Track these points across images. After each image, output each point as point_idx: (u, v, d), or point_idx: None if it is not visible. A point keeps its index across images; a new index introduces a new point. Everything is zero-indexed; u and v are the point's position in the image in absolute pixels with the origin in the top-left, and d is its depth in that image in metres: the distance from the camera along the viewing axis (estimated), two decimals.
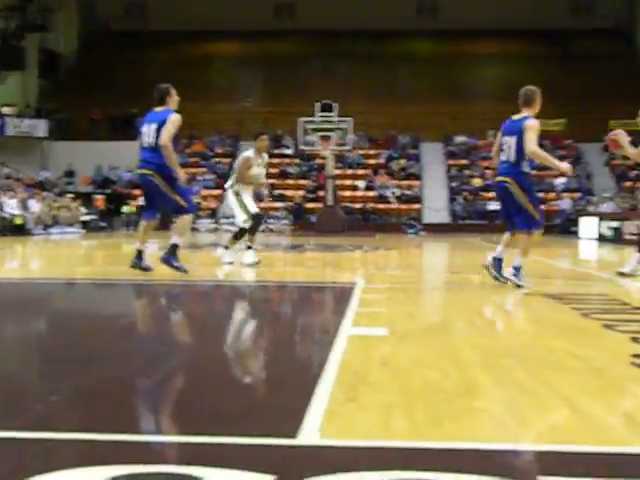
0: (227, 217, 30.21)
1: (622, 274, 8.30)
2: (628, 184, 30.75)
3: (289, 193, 31.42)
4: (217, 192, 32.18)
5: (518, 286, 6.96)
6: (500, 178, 7.29)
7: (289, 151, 33.87)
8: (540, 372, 3.42)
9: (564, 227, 28.52)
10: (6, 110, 30.26)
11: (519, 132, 7.18)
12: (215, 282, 8.34)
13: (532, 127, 7.15)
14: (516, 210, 7.18)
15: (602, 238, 22.84)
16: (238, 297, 7.32)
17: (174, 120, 7.56)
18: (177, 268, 7.70)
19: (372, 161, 33.53)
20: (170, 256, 7.74)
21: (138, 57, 39.19)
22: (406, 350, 3.91)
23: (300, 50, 41.10)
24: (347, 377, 3.26)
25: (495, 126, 31.36)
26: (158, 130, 7.53)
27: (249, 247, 9.48)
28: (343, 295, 6.89)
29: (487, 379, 3.27)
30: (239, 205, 9.50)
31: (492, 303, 6.48)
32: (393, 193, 31.63)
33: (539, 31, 40.78)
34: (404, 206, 31.28)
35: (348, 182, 32.60)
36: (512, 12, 41.07)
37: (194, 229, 29.27)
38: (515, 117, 7.42)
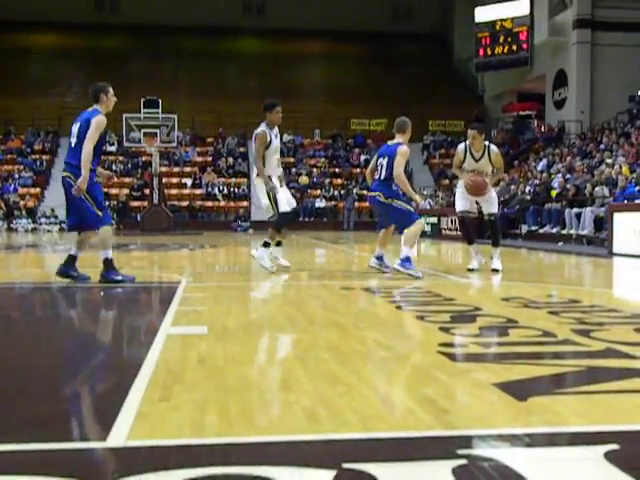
0: (47, 217, 28.97)
1: (472, 270, 9.02)
2: (446, 182, 32.41)
3: (113, 191, 30.59)
4: (35, 190, 30.77)
5: (411, 275, 8.02)
6: (372, 193, 8.71)
7: (113, 148, 32.97)
8: (352, 363, 3.53)
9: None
10: None
11: (392, 155, 8.46)
12: (33, 284, 7.98)
13: (403, 153, 8.40)
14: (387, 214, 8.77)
15: (421, 234, 23.89)
16: (60, 299, 7.04)
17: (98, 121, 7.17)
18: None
19: (199, 159, 33.29)
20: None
21: None
22: (223, 348, 3.91)
23: (124, 45, 40.07)
24: (162, 377, 3.23)
25: (321, 125, 32.13)
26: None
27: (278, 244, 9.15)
28: (166, 294, 6.80)
29: (302, 373, 3.34)
30: (269, 199, 8.61)
31: (312, 298, 6.62)
32: (221, 191, 31.55)
33: (362, 33, 42.13)
34: (232, 204, 31.31)
35: (175, 180, 32.19)
36: (337, 14, 42.14)
37: (11, 229, 27.82)
38: (390, 142, 8.73)
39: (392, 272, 8.28)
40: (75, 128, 7.25)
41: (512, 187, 23.08)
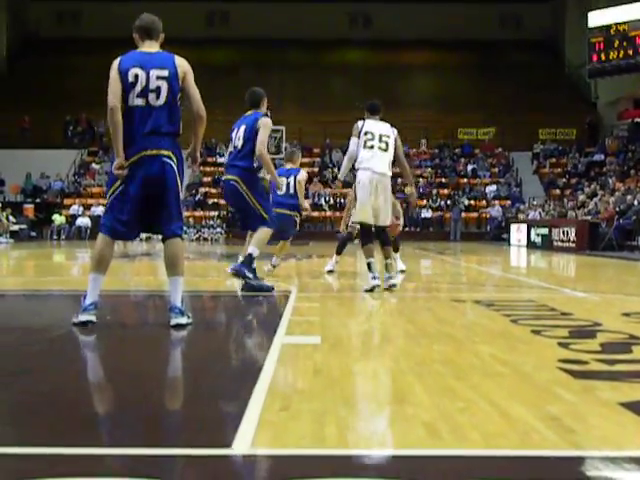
0: None
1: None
2: (557, 192, 31.57)
3: (223, 201, 31.25)
4: None
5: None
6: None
7: (223, 159, 33.72)
8: (470, 378, 3.48)
9: (495, 234, 29.09)
10: None
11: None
12: (150, 292, 8.25)
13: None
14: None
15: (532, 245, 23.37)
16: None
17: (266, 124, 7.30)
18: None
19: (306, 169, 33.62)
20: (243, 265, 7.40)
21: (68, 64, 38.54)
22: (338, 359, 3.93)
23: (233, 58, 41.03)
24: (280, 386, 3.27)
25: (427, 135, 31.95)
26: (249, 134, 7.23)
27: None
28: (278, 304, 6.90)
29: (419, 386, 3.31)
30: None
31: (423, 309, 6.56)
32: (327, 201, 31.77)
33: (470, 42, 41.63)
34: (338, 214, 31.45)
35: None
36: (443, 23, 41.84)
37: None
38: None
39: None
40: (239, 132, 7.28)
41: (628, 197, 22.26)
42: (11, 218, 26.29)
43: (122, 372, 3.83)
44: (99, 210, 30.08)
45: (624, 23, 31.74)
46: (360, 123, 7.55)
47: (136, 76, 4.89)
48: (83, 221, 29.06)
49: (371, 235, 7.57)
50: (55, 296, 7.61)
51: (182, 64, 5.08)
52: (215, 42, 41.57)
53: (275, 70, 38.80)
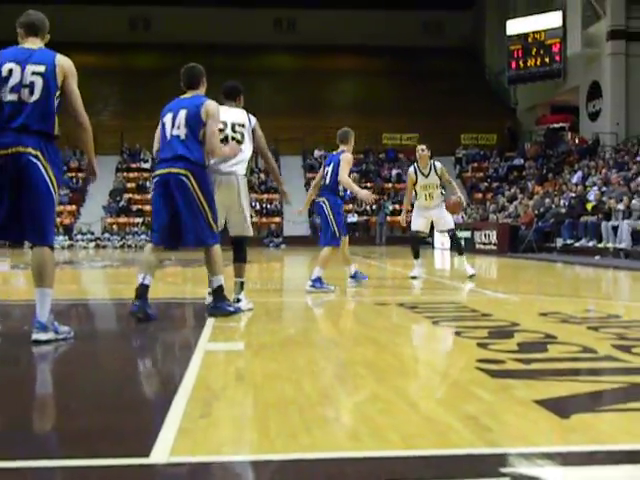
0: (83, 233, 29.30)
1: (414, 277, 10.01)
2: (479, 196, 32.25)
3: (147, 208, 30.85)
4: (71, 208, 31.15)
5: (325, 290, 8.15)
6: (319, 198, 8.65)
7: (147, 165, 33.29)
8: (391, 380, 3.52)
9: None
10: None
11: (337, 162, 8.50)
12: (74, 301, 8.07)
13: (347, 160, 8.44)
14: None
15: (454, 247, 23.77)
16: (97, 315, 7.11)
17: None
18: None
19: None
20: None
21: None
22: (261, 364, 3.92)
23: (156, 63, 40.56)
24: (202, 393, 3.24)
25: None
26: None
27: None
28: (201, 310, 6.83)
29: (340, 389, 3.33)
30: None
31: (347, 313, 6.61)
32: (254, 207, 31.69)
33: (393, 48, 42.17)
34: (265, 219, 31.43)
35: None
36: (367, 29, 42.29)
37: None
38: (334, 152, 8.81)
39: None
40: (179, 118, 5.72)
41: (546, 200, 22.90)
42: None
43: (40, 382, 3.73)
44: None
45: (541, 31, 32.69)
46: None
47: (10, 70, 4.61)
48: None
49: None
50: None
51: (63, 63, 4.74)
52: (138, 47, 41.04)
53: None
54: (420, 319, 5.82)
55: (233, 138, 6.26)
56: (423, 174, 10.27)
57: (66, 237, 28.74)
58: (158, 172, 5.76)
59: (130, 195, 31.99)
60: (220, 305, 5.85)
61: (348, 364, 3.96)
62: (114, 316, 7.07)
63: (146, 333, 5.49)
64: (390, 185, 33.92)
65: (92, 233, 29.52)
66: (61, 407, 3.20)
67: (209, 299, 6.19)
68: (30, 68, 4.61)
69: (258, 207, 31.78)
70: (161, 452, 2.40)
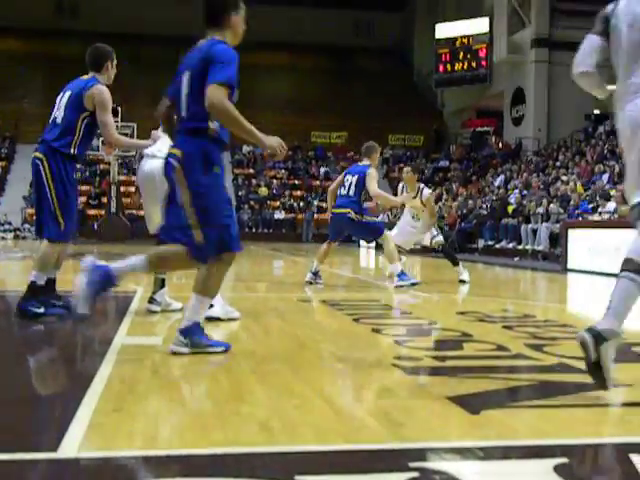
0: (2, 224, 28.49)
1: (463, 281, 9.57)
2: None
3: None
4: None
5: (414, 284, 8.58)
6: (341, 210, 8.71)
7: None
8: (308, 375, 3.53)
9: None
10: None
11: (363, 175, 8.67)
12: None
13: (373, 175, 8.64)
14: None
15: (380, 247, 24.02)
16: (10, 307, 6.91)
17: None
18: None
19: None
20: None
21: None
22: (178, 359, 3.88)
23: (82, 52, 39.67)
24: (115, 387, 3.19)
25: (281, 137, 31.84)
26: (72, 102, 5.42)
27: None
28: (121, 304, 6.72)
29: (257, 385, 3.33)
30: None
31: (270, 310, 6.60)
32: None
33: (324, 47, 42.32)
34: None
35: (133, 188, 31.91)
36: (299, 27, 42.33)
37: None
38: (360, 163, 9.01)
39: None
40: (63, 99, 5.49)
41: (469, 202, 23.34)
42: None
43: None
44: None
45: (469, 36, 33.31)
46: None
47: None
48: None
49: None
50: None
51: None
52: (63, 34, 40.06)
53: (126, 65, 37.86)
54: (341, 316, 5.86)
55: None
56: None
57: None
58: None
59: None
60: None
61: (266, 359, 3.96)
62: None
63: (63, 326, 5.37)
64: (318, 183, 34.03)
65: (10, 223, 28.71)
66: None
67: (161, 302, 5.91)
68: None
69: None
70: (69, 447, 2.35)
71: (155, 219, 5.55)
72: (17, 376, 3.68)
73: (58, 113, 5.43)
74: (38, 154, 5.34)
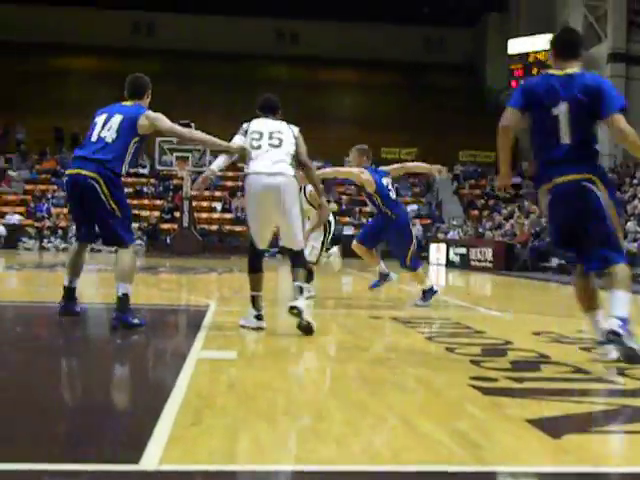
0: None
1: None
2: (475, 213, 32.29)
3: (144, 213, 30.83)
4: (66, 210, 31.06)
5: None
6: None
7: (145, 171, 33.30)
8: (383, 394, 3.52)
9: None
10: None
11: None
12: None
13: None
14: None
15: (450, 264, 23.80)
16: (90, 319, 7.07)
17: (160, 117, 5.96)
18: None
19: (230, 183, 33.49)
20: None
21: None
22: (253, 373, 3.91)
23: (158, 69, 40.63)
24: (193, 401, 3.23)
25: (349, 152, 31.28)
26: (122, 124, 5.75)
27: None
28: (195, 318, 6.82)
29: (332, 402, 3.32)
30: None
31: (341, 326, 6.60)
32: None
33: (395, 63, 42.32)
34: None
35: (205, 203, 32.38)
36: (370, 43, 42.43)
37: (44, 248, 28.11)
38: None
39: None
40: (112, 122, 5.77)
41: (543, 220, 22.91)
42: None
43: (35, 385, 3.72)
44: (15, 218, 29.25)
45: (542, 51, 32.85)
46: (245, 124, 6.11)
47: None
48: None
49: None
50: None
51: None
52: (139, 52, 41.08)
53: (200, 83, 38.58)
54: (414, 334, 5.82)
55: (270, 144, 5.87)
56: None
57: (61, 240, 28.67)
58: (69, 172, 5.85)
59: (127, 200, 31.96)
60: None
61: (340, 377, 3.96)
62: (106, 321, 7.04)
63: (140, 340, 5.48)
64: None
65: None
66: (50, 411, 3.18)
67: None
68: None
69: None
70: (151, 459, 2.39)
71: (265, 236, 5.81)
72: (97, 387, 3.76)
73: (108, 134, 5.73)
74: (91, 173, 5.61)
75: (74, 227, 6.01)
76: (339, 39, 42.79)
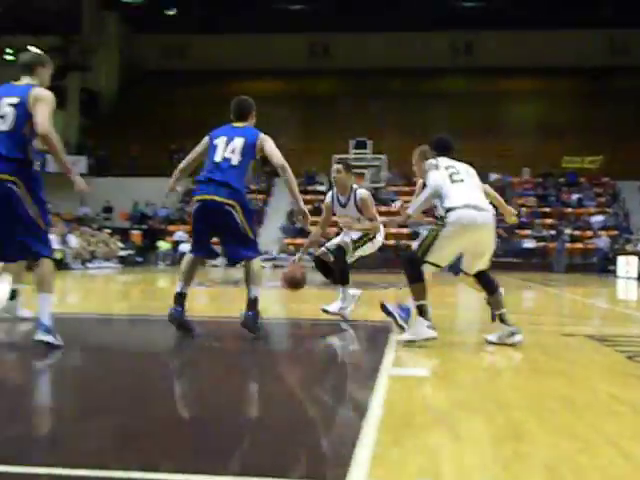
0: (261, 254, 30.34)
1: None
2: None
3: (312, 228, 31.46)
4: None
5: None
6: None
7: (323, 188, 34.02)
8: (587, 416, 3.35)
9: (601, 266, 28.17)
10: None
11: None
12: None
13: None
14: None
15: None
16: (275, 334, 7.28)
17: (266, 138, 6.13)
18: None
19: (406, 198, 33.51)
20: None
21: (174, 96, 39.87)
22: (448, 392, 3.85)
23: (334, 88, 41.51)
24: (391, 419, 3.22)
25: (529, 164, 31.12)
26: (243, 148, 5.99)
27: None
28: (381, 334, 6.84)
29: (533, 423, 3.21)
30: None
31: (531, 343, 6.38)
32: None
33: (575, 69, 40.77)
34: None
35: (382, 219, 32.58)
36: (546, 50, 41.16)
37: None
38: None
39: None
40: (233, 145, 5.97)
41: None
42: (119, 244, 27.23)
43: (234, 401, 3.86)
44: (179, 235, 30.67)
45: None
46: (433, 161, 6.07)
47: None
48: (187, 247, 29.78)
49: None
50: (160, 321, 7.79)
51: (35, 93, 5.12)
52: (316, 73, 42.17)
53: (375, 99, 38.95)
54: (612, 353, 5.53)
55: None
56: (340, 202, 7.78)
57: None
58: (200, 197, 5.98)
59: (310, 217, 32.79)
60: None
61: (539, 397, 3.82)
62: (303, 335, 7.22)
63: (330, 354, 5.57)
64: (570, 210, 32.64)
65: (268, 253, 30.46)
66: (250, 424, 3.29)
67: None
68: (6, 100, 5.12)
69: None
70: (358, 478, 2.40)
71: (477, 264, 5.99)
72: (292, 401, 3.85)
73: (232, 156, 5.96)
74: (227, 200, 5.82)
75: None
76: (515, 48, 41.79)
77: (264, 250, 30.67)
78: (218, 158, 5.97)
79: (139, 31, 43.14)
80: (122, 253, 26.96)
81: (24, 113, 5.05)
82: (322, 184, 33.89)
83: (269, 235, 31.70)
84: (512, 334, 5.75)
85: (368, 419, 3.19)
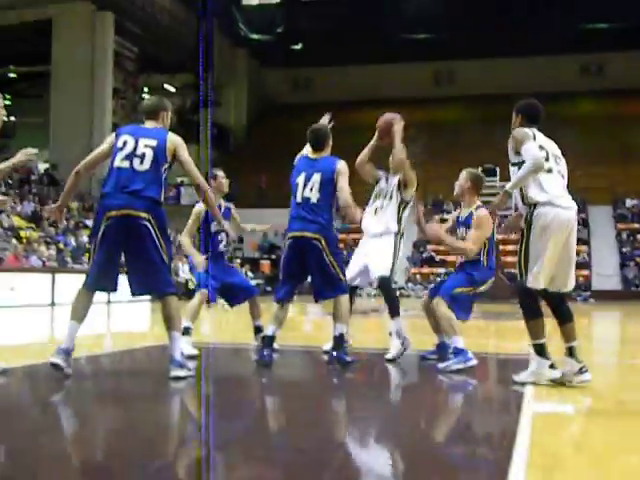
0: None
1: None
2: None
3: (450, 258, 31.09)
4: None
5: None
6: None
7: (450, 216, 33.70)
8: None
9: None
10: (182, 180, 32.13)
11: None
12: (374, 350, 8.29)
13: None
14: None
15: None
16: (399, 365, 7.21)
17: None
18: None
19: None
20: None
21: (301, 128, 40.64)
22: (598, 431, 3.70)
23: (460, 115, 41.17)
24: (540, 459, 3.13)
25: None
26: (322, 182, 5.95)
27: None
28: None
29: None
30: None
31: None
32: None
33: None
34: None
35: (510, 247, 31.88)
36: None
37: None
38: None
39: None
40: (312, 181, 6.00)
41: None
42: (249, 273, 27.88)
43: (380, 435, 3.85)
44: None
45: None
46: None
47: (125, 142, 5.24)
48: None
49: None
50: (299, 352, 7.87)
51: (174, 139, 5.32)
52: (441, 101, 42.00)
53: (500, 125, 38.31)
54: None
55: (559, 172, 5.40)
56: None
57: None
58: (292, 234, 5.98)
59: (434, 246, 32.49)
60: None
61: None
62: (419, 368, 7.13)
63: (468, 387, 5.47)
64: None
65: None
66: (362, 456, 3.26)
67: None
68: (143, 142, 5.23)
69: None
70: None
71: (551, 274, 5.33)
72: (438, 440, 3.79)
73: (312, 194, 5.97)
74: (317, 235, 5.87)
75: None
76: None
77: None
78: (299, 198, 6.04)
79: (267, 65, 44.41)
80: (252, 283, 27.58)
81: (162, 156, 5.24)
82: (449, 212, 33.60)
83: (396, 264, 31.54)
84: (581, 371, 5.11)
85: (515, 459, 3.10)
